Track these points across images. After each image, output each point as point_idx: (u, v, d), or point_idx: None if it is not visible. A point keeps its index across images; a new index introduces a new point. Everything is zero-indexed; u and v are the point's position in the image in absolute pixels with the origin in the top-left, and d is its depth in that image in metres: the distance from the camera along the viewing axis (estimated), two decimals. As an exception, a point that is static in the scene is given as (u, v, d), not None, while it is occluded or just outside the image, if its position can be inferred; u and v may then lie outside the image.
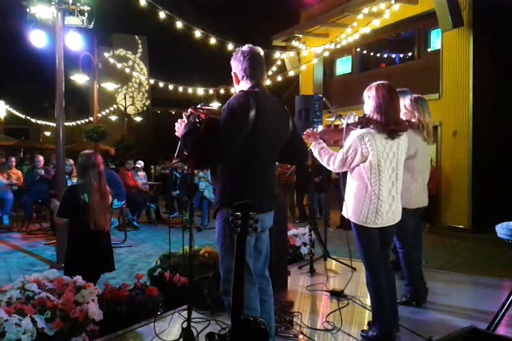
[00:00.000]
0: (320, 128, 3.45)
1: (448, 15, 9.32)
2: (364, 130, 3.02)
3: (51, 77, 6.36)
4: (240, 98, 2.51)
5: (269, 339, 2.31)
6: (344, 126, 3.07)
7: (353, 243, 3.17)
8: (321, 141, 3.29)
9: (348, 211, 3.08)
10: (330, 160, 3.14)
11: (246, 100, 2.48)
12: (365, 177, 3.01)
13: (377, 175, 3.00)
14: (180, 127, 2.62)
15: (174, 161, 9.82)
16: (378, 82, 3.12)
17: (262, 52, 2.68)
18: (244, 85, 2.65)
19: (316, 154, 3.25)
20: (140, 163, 11.04)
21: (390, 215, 3.08)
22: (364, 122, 3.04)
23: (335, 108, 4.57)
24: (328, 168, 3.20)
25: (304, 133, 3.30)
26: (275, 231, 3.11)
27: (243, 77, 2.65)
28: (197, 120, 2.56)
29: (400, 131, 3.08)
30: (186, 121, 2.60)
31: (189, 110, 2.62)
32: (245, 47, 2.66)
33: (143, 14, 8.04)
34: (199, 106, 2.69)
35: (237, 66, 2.65)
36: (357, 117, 3.10)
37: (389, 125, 3.00)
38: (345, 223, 9.78)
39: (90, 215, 3.75)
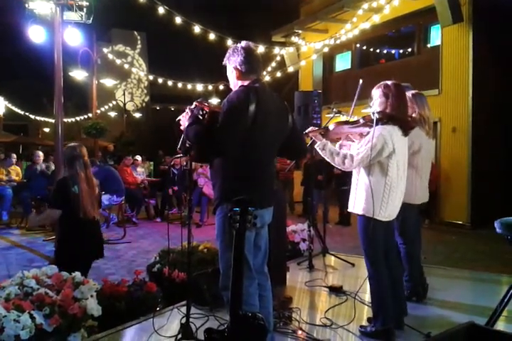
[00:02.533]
0: (331, 126, 3.31)
1: (448, 10, 9.31)
2: (389, 127, 3.05)
3: (50, 73, 6.36)
4: (240, 93, 2.51)
5: (268, 335, 2.30)
6: (374, 123, 3.00)
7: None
8: (325, 140, 3.23)
9: (360, 205, 3.09)
10: (345, 158, 3.09)
11: (246, 95, 2.47)
12: (386, 173, 3.04)
13: (396, 170, 3.06)
14: (184, 120, 2.64)
15: (172, 158, 9.80)
16: (392, 81, 3.18)
17: (258, 48, 2.68)
18: (244, 81, 2.64)
19: (325, 154, 3.19)
20: (139, 157, 11.06)
21: (397, 209, 3.18)
22: (386, 119, 3.05)
23: (334, 104, 4.54)
24: (341, 166, 3.14)
25: (308, 131, 3.28)
26: (274, 227, 3.10)
27: (242, 73, 2.64)
28: (201, 112, 2.60)
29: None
30: (190, 114, 2.62)
31: (194, 103, 2.65)
32: (243, 43, 2.65)
33: (142, 10, 8.01)
34: (198, 100, 2.70)
35: (235, 62, 2.64)
36: (376, 114, 3.02)
37: (407, 122, 3.14)
38: (344, 219, 9.87)
39: (80, 204, 3.87)
